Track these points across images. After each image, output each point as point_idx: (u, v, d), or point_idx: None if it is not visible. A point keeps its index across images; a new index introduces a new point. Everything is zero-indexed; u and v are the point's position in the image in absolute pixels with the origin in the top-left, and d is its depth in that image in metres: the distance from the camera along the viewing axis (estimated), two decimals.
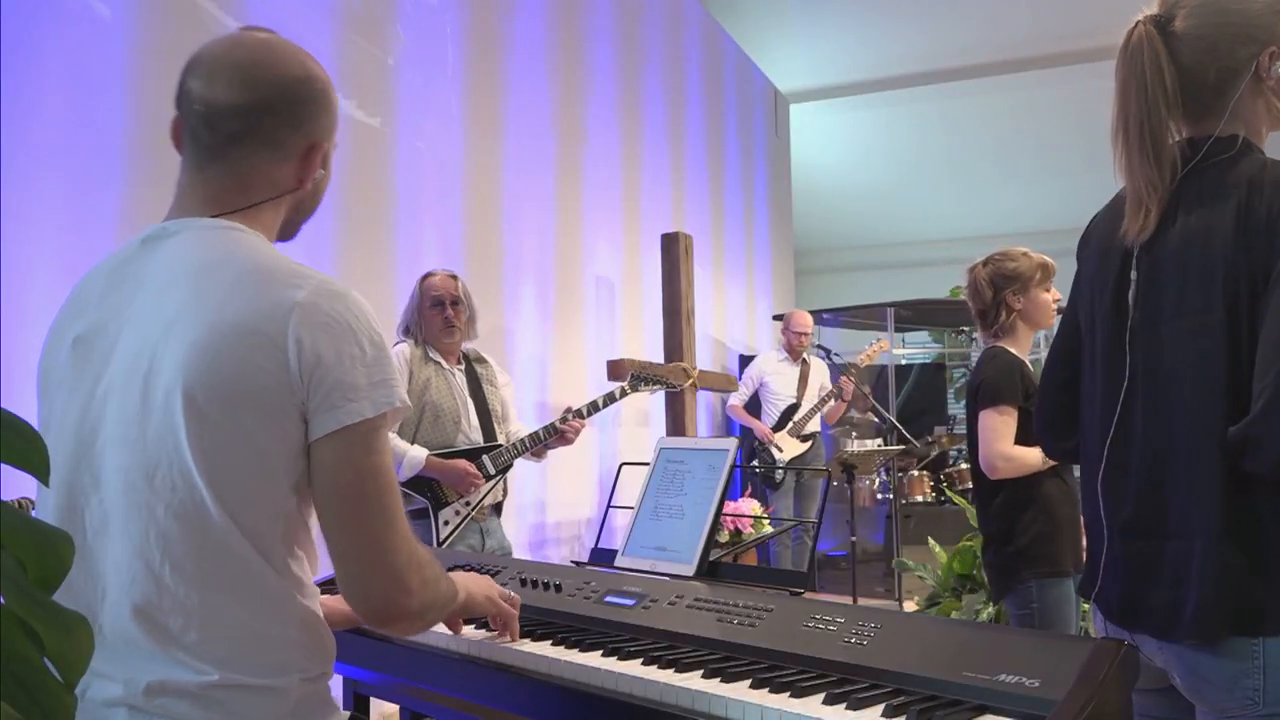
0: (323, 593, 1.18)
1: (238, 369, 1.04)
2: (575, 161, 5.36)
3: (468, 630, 1.62)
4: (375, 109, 3.93)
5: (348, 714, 1.19)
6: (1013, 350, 2.55)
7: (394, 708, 2.58)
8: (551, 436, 3.35)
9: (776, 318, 6.40)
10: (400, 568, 1.09)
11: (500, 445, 3.29)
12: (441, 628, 1.60)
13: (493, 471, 3.24)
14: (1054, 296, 2.59)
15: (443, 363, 3.25)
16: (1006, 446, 2.42)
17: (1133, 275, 1.39)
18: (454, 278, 3.29)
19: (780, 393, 6.00)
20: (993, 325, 2.59)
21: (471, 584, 1.48)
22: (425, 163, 4.21)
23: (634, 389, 3.75)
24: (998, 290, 2.56)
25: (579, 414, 3.42)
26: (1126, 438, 1.40)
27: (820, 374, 6.09)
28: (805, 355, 6.11)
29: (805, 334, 6.02)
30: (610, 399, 3.60)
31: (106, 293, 1.14)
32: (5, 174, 2.54)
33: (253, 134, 1.16)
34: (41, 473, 0.57)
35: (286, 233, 1.27)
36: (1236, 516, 1.25)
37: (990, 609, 3.62)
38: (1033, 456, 2.41)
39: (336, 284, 1.11)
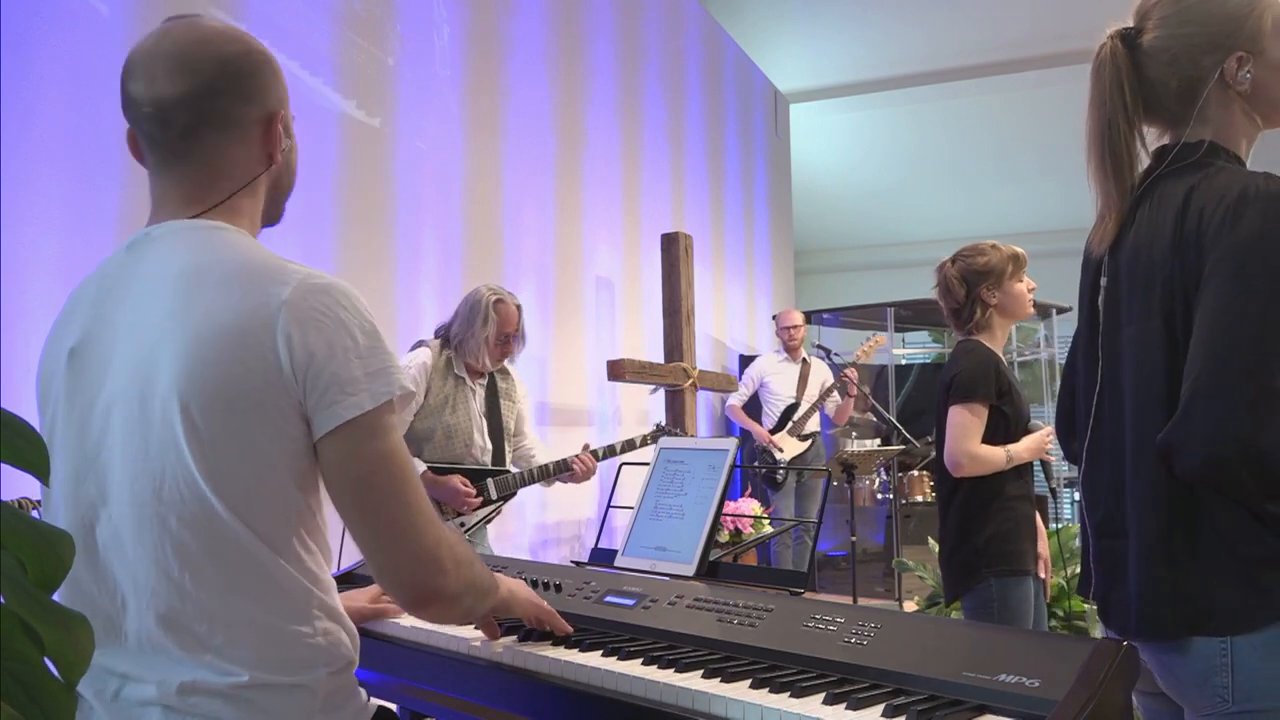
0: (341, 585, 1.19)
1: (231, 374, 1.03)
2: (575, 161, 5.36)
3: (470, 630, 1.62)
4: (375, 109, 3.93)
5: (376, 705, 1.19)
6: (988, 345, 2.51)
7: (393, 707, 2.57)
8: (561, 471, 3.27)
9: (775, 318, 6.41)
10: (430, 548, 1.09)
11: (508, 472, 3.23)
12: (447, 629, 1.60)
13: (494, 496, 3.16)
14: (1029, 286, 2.56)
15: (466, 378, 3.18)
16: (973, 444, 2.38)
17: (1102, 282, 1.43)
18: (520, 307, 3.23)
19: (780, 393, 6.01)
20: (968, 322, 2.55)
21: (514, 584, 1.47)
22: (425, 163, 4.21)
23: (655, 439, 3.64)
24: (971, 287, 2.53)
25: (594, 454, 3.32)
26: (1099, 441, 1.43)
27: (821, 373, 6.10)
28: (806, 355, 6.11)
29: (795, 327, 6.05)
30: (630, 445, 3.51)
31: (97, 302, 1.13)
32: (5, 174, 2.54)
33: (207, 120, 1.14)
34: (42, 473, 0.57)
35: (272, 215, 1.24)
36: (1186, 518, 1.27)
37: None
38: (997, 456, 2.39)
39: (322, 276, 1.09)
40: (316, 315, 1.05)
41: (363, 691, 1.17)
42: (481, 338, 3.13)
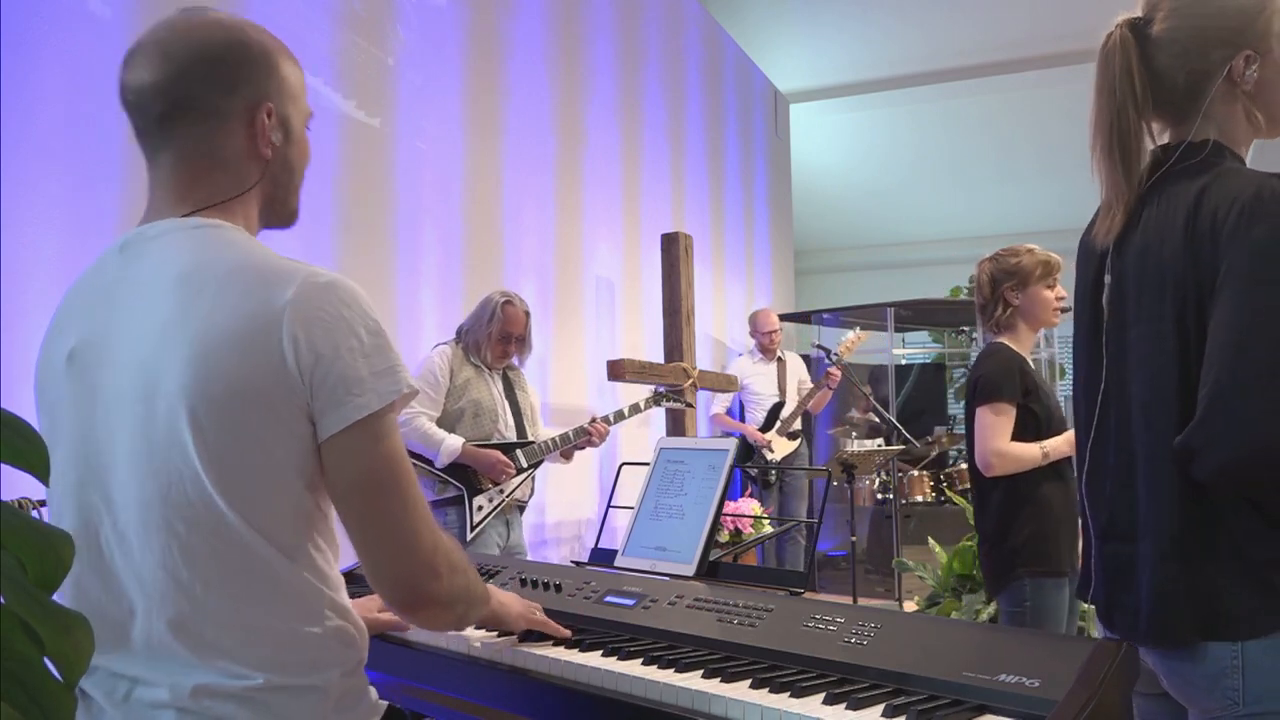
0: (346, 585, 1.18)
1: (237, 378, 1.02)
2: (575, 161, 5.36)
3: (470, 631, 1.62)
4: (375, 109, 3.93)
5: (385, 704, 1.19)
6: (1013, 347, 2.54)
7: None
8: (580, 437, 3.64)
9: (752, 319, 6.39)
10: (426, 552, 1.08)
11: (533, 441, 3.57)
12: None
13: (525, 465, 3.52)
14: (1058, 294, 2.58)
15: (483, 366, 3.53)
16: (1001, 443, 2.40)
17: (1106, 279, 1.41)
18: (528, 314, 3.56)
19: (762, 393, 6.03)
20: (991, 320, 2.58)
21: (505, 597, 1.48)
22: (425, 163, 4.21)
23: (658, 403, 4.07)
24: (997, 285, 2.56)
25: (605, 420, 3.70)
26: (1104, 441, 1.41)
27: (796, 369, 6.16)
28: (780, 354, 6.14)
29: (773, 331, 6.07)
30: (635, 409, 3.90)
31: (93, 306, 1.11)
32: (5, 174, 2.54)
33: (181, 106, 1.11)
34: (41, 473, 0.57)
35: (279, 216, 1.21)
36: (1198, 521, 1.25)
37: (990, 609, 3.62)
38: (1029, 454, 2.40)
39: (324, 274, 1.07)
40: (321, 315, 1.04)
41: (373, 690, 1.17)
42: (486, 333, 3.49)
